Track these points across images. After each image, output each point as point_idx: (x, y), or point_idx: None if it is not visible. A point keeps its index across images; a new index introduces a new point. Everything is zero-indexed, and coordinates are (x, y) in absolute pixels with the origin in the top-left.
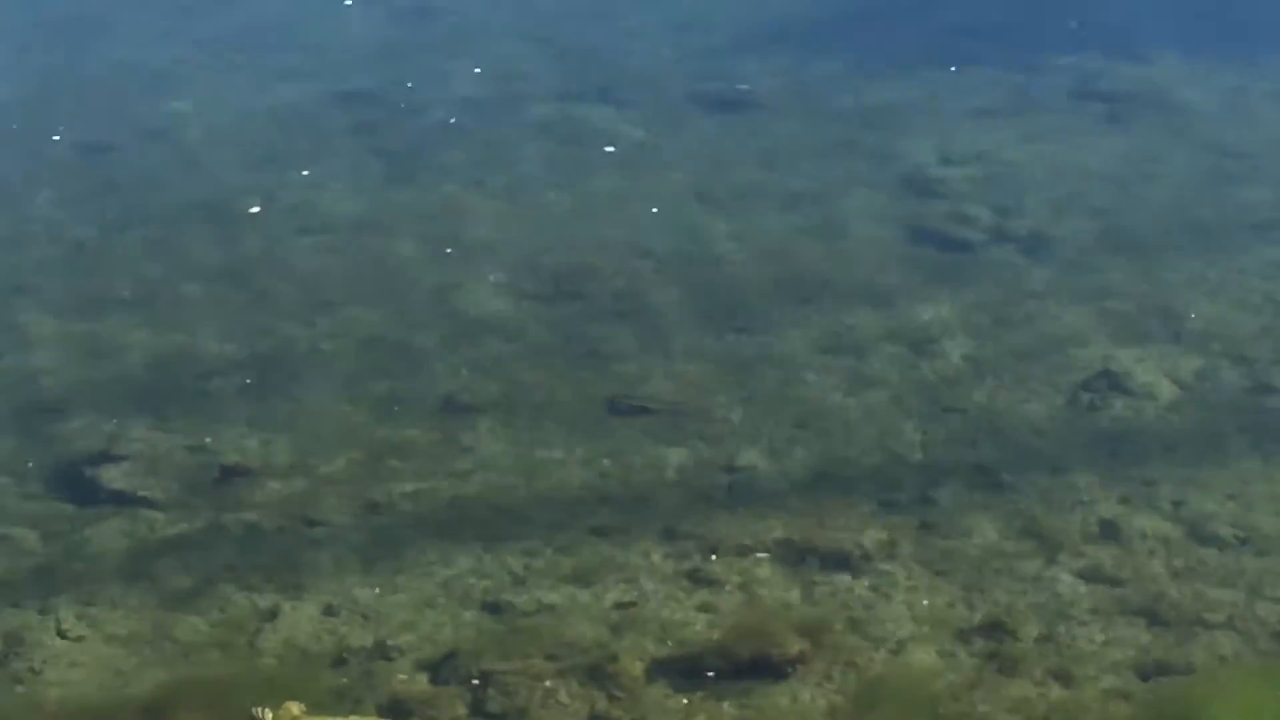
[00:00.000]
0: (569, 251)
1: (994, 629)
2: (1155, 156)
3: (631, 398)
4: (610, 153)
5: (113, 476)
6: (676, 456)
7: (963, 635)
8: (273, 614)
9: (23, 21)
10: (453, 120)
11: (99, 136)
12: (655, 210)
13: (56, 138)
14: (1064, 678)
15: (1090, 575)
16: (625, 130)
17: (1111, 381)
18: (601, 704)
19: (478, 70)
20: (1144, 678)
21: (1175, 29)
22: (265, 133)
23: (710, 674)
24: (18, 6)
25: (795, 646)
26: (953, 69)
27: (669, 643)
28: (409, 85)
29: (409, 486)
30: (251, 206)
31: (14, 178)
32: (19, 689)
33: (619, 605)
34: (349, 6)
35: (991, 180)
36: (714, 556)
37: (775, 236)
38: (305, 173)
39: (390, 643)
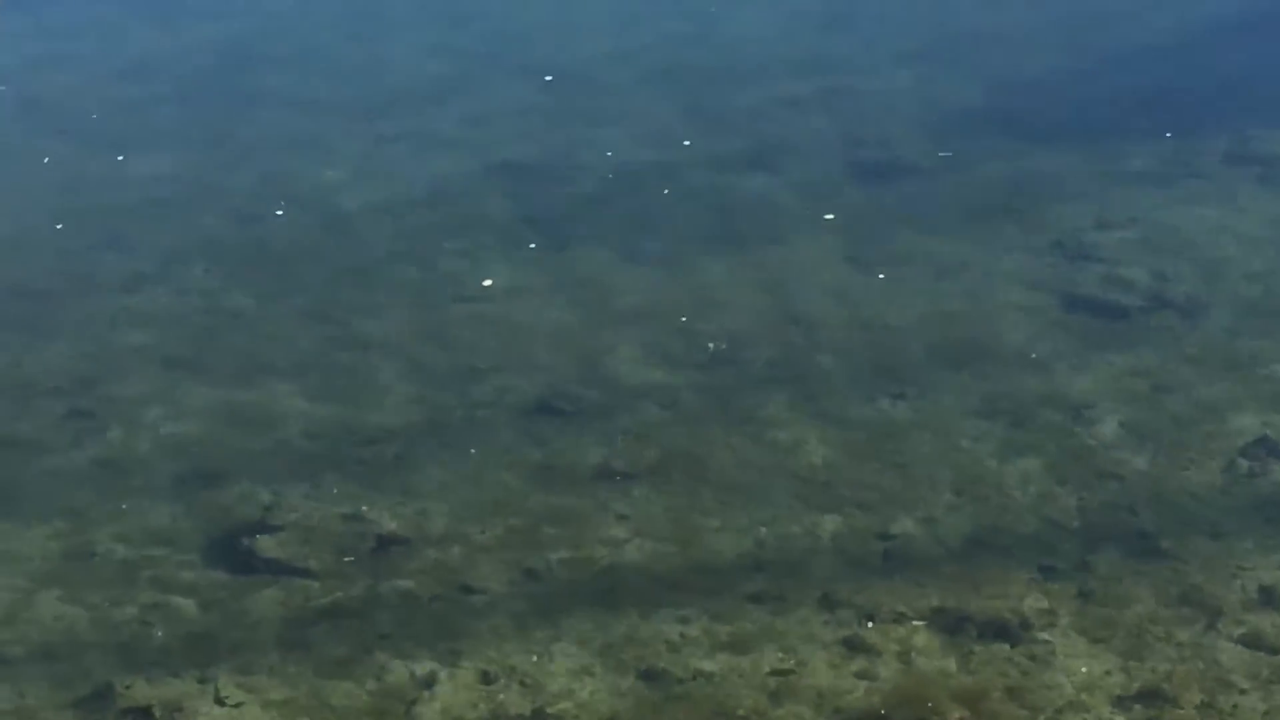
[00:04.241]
0: (722, 318)
1: (1154, 697)
2: None
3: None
4: (761, 217)
5: (269, 545)
6: (832, 523)
7: (1122, 703)
8: (430, 681)
9: (176, 91)
10: (603, 188)
11: (254, 206)
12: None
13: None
14: None
15: (1251, 642)
16: (777, 196)
17: (1269, 448)
18: None
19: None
20: None
21: None
22: (417, 200)
23: None
24: (171, 76)
25: (954, 714)
26: (1104, 134)
27: (827, 710)
28: (561, 152)
29: (564, 553)
30: (484, 280)
31: (169, 248)
32: None
33: (776, 672)
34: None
35: (1146, 245)
36: (870, 624)
37: (929, 302)
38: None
39: (548, 710)
